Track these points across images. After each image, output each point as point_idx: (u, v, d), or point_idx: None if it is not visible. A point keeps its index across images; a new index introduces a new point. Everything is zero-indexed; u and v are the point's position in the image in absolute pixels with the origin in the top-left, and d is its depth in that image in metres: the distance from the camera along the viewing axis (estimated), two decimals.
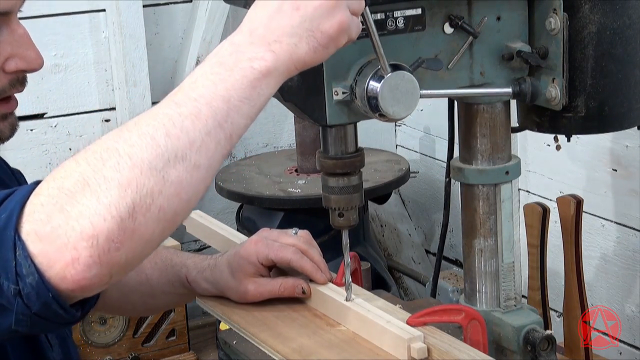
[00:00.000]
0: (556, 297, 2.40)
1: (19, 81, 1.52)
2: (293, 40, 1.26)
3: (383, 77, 1.45)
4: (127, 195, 1.15)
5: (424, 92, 1.49)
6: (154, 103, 3.19)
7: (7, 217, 1.16)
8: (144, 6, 3.28)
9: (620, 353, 2.73)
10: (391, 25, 1.52)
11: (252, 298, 1.71)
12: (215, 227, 1.99)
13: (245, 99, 1.23)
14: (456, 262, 3.45)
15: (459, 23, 1.56)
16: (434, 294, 2.21)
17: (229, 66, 1.24)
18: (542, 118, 1.67)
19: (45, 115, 3.29)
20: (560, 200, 2.17)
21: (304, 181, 3.13)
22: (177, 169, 1.18)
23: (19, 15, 1.50)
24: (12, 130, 1.56)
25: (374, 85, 1.46)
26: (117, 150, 1.17)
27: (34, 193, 1.18)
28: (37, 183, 1.20)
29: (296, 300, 1.75)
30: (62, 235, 1.14)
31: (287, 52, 1.26)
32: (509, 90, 1.62)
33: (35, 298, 1.17)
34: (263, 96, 1.25)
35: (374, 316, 1.61)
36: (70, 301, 1.21)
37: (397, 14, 1.52)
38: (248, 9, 1.31)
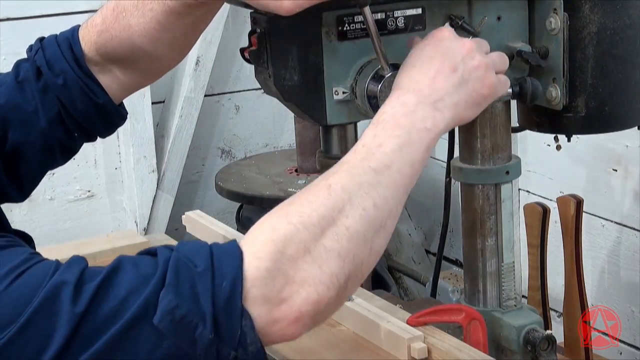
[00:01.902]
0: (556, 297, 2.40)
1: None
2: (454, 99, 1.35)
3: (383, 77, 1.45)
4: (346, 266, 1.23)
5: None
6: (153, 103, 3.20)
7: (231, 285, 1.18)
8: None
9: (621, 353, 2.73)
10: (391, 25, 1.52)
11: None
12: (215, 227, 1.99)
13: (423, 160, 1.32)
14: (456, 262, 3.45)
15: (459, 23, 1.56)
16: (434, 294, 2.21)
17: (407, 128, 1.30)
18: (542, 118, 1.67)
19: None
20: (560, 200, 2.17)
21: (304, 181, 3.12)
22: (379, 238, 1.26)
23: (20, 14, 1.49)
24: None
25: (374, 84, 1.46)
26: (334, 220, 1.23)
27: (253, 256, 1.20)
28: (238, 247, 1.21)
29: None
30: (287, 298, 1.20)
31: (451, 110, 1.35)
32: (509, 90, 1.62)
33: None
34: (429, 155, 1.32)
35: (374, 316, 1.61)
36: None
37: (397, 13, 1.52)
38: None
